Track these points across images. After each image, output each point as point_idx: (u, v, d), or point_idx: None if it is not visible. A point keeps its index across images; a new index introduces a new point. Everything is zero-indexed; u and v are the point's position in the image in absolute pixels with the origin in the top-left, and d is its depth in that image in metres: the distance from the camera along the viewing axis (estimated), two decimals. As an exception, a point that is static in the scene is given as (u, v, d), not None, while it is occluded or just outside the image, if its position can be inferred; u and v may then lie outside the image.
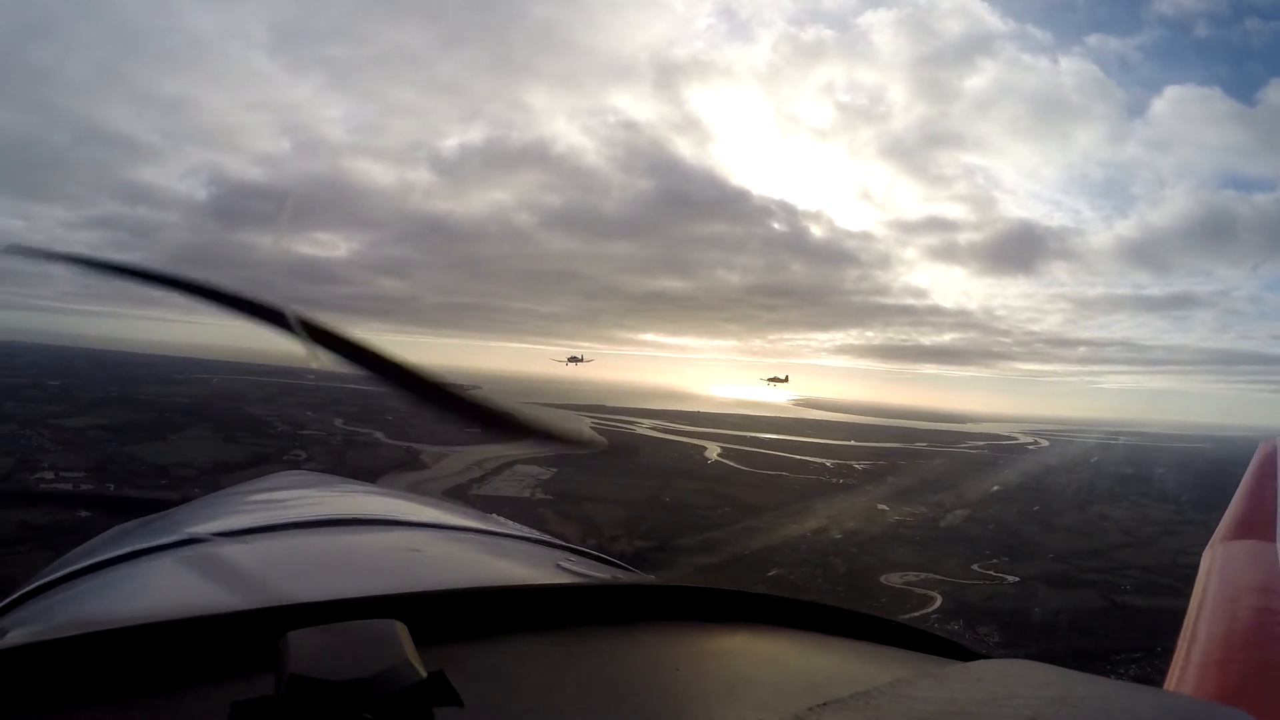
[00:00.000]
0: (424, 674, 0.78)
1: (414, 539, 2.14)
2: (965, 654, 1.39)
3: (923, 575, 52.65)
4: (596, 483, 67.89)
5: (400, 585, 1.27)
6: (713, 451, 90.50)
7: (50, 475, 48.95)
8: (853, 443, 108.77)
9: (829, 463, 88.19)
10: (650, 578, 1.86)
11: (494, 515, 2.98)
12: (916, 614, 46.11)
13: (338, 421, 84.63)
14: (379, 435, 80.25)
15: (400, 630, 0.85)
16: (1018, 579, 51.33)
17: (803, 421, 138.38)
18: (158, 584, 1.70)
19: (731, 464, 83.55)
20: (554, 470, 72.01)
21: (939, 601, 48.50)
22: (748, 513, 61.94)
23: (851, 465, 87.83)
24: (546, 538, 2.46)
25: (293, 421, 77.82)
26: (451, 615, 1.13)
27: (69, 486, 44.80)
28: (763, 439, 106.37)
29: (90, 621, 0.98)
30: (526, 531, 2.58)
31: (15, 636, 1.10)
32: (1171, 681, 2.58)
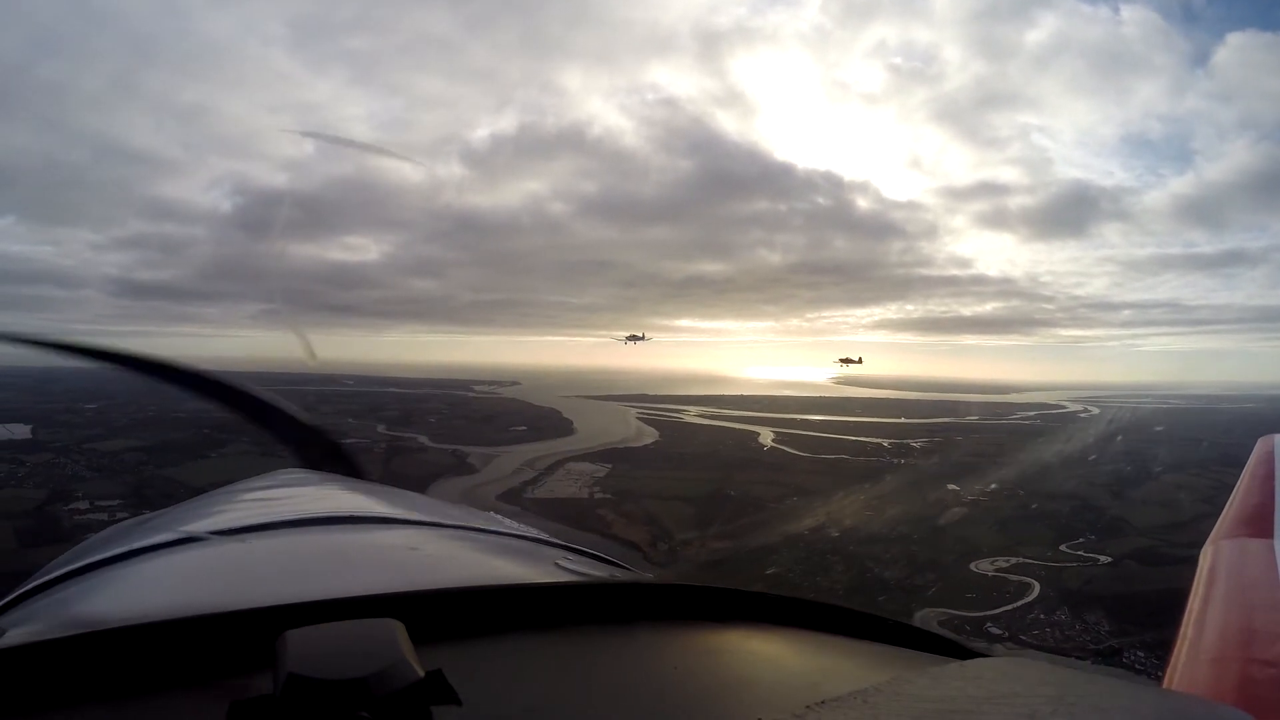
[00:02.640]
0: (421, 673, 0.78)
1: (411, 537, 2.11)
2: (963, 652, 1.35)
3: (1012, 560, 50.04)
4: (654, 478, 65.76)
5: (397, 584, 1.33)
6: (766, 437, 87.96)
7: (85, 505, 46.97)
8: (903, 420, 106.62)
9: (886, 443, 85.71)
10: (648, 576, 1.82)
11: (491, 513, 2.82)
12: (1019, 604, 43.99)
13: (380, 427, 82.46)
14: (423, 439, 78.94)
15: (398, 629, 0.86)
16: (1110, 559, 48.78)
17: (848, 400, 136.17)
18: (155, 583, 1.70)
19: (788, 450, 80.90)
20: (608, 467, 70.16)
21: (1037, 589, 45.96)
22: (817, 502, 59.40)
23: (909, 444, 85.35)
24: (544, 536, 2.33)
25: (334, 430, 75.15)
26: (449, 614, 1.13)
27: (104, 516, 43.12)
28: (813, 421, 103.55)
29: (88, 621, 1.02)
30: (524, 530, 2.48)
31: (13, 636, 1.11)
32: (1169, 679, 2.49)
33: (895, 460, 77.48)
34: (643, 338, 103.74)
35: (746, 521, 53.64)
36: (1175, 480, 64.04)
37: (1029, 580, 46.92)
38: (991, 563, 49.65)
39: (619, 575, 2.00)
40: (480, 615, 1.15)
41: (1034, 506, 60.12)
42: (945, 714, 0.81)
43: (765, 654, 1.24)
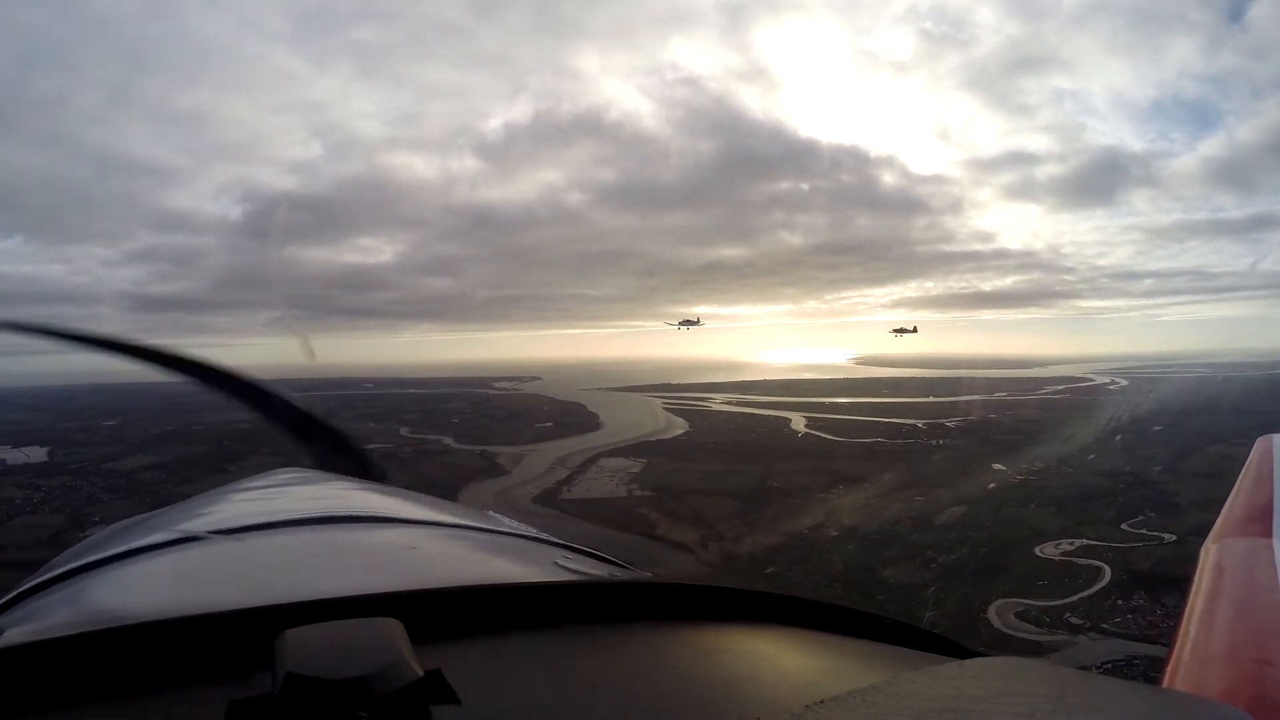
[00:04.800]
0: (420, 672, 0.79)
1: (410, 536, 2.10)
2: (962, 651, 1.35)
3: (1076, 542, 48.31)
4: (692, 471, 63.91)
5: (396, 583, 1.33)
6: (798, 423, 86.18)
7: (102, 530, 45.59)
8: (931, 399, 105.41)
9: (920, 423, 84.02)
10: (647, 575, 1.78)
11: (490, 512, 2.76)
12: (1093, 590, 42.14)
13: (403, 430, 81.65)
14: (449, 441, 77.33)
15: (396, 628, 0.86)
16: (1174, 537, 46.50)
17: (872, 380, 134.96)
18: (154, 582, 1.71)
19: (823, 435, 79.29)
20: (643, 461, 68.37)
21: (1108, 573, 44.08)
22: (865, 490, 57.83)
23: (943, 424, 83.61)
24: (543, 535, 2.32)
25: (357, 436, 73.48)
26: (448, 613, 1.14)
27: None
28: (842, 404, 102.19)
29: (86, 620, 1.01)
30: (523, 529, 2.47)
31: (12, 635, 1.11)
32: (1169, 679, 2.49)
33: (933, 441, 75.68)
34: (696, 322, 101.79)
35: (796, 515, 51.74)
36: (1221, 451, 61.70)
37: (1098, 564, 45.13)
38: (1056, 546, 47.93)
39: (618, 574, 1.97)
40: (479, 614, 1.15)
41: (1085, 483, 58.30)
42: (944, 713, 0.82)
43: (765, 654, 1.23)
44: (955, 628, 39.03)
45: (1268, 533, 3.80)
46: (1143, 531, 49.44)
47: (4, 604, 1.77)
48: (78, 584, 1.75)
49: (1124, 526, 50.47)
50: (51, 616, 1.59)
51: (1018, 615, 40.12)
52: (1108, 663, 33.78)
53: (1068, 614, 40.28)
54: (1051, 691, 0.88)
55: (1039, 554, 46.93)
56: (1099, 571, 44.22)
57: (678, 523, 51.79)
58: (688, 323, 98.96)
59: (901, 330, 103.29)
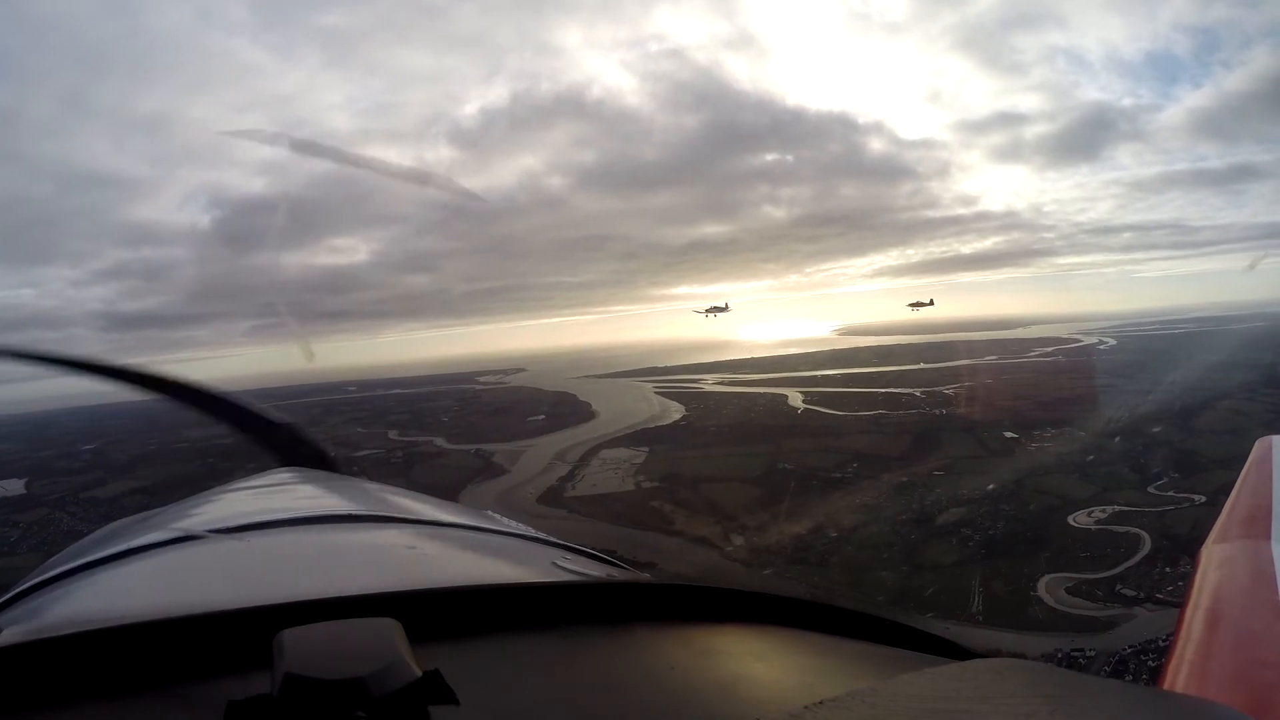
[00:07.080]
0: (419, 672, 0.79)
1: (409, 536, 2.10)
2: (961, 653, 1.38)
3: (1108, 509, 47.14)
4: (699, 458, 61.62)
5: (395, 583, 1.34)
6: (796, 399, 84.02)
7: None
8: (922, 365, 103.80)
9: (918, 392, 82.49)
10: (645, 576, 1.71)
11: (488, 512, 2.74)
12: (1138, 559, 41.03)
13: (392, 433, 79.05)
14: (441, 442, 74.54)
15: (395, 629, 0.87)
16: (1204, 498, 45.29)
17: (860, 350, 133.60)
18: (152, 581, 1.72)
19: (824, 410, 77.14)
20: (645, 450, 66.04)
21: (1149, 540, 42.74)
22: (880, 466, 56.35)
23: (941, 391, 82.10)
24: (542, 535, 2.32)
25: (346, 442, 71.02)
26: (447, 613, 1.13)
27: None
28: (834, 377, 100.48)
29: (85, 619, 1.01)
30: (522, 529, 2.47)
31: (10, 634, 1.10)
32: (1167, 681, 2.54)
33: (936, 411, 74.14)
34: (725, 308, 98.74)
35: (815, 497, 50.11)
36: (1231, 406, 61.37)
37: (1136, 531, 43.98)
38: (1089, 514, 46.81)
39: (616, 574, 1.95)
40: (478, 614, 1.15)
41: (1102, 448, 57.00)
42: (943, 714, 0.82)
43: (763, 654, 1.23)
44: (1007, 608, 37.70)
45: (1267, 535, 3.67)
46: (1171, 494, 48.46)
47: (3, 603, 1.76)
48: (76, 583, 1.73)
49: (1151, 490, 49.42)
50: (50, 615, 1.58)
51: (1068, 591, 38.84)
52: (1173, 635, 32.37)
53: (1119, 585, 39.09)
54: (1050, 693, 0.89)
55: (1074, 524, 45.81)
56: (1138, 539, 43.14)
57: (696, 515, 49.86)
58: (715, 309, 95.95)
59: (919, 304, 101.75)
